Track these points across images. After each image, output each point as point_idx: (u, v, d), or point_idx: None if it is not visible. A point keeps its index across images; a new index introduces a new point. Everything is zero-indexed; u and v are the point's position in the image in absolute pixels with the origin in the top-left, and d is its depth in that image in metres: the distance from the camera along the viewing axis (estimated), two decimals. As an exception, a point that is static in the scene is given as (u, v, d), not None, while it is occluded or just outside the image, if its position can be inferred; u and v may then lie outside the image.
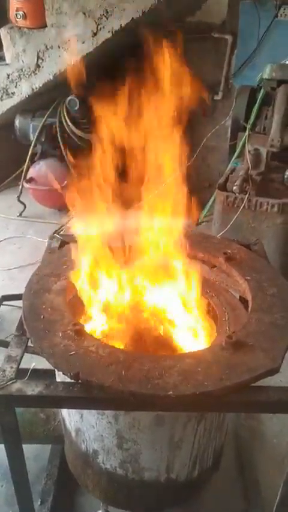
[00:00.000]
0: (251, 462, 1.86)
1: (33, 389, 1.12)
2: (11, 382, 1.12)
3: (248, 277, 1.50)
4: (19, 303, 1.36)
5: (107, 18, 3.06)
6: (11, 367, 1.17)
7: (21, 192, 3.84)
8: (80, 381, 1.11)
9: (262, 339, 1.24)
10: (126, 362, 1.15)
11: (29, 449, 1.58)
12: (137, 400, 1.08)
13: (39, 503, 1.65)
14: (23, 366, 1.25)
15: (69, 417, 1.45)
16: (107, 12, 3.04)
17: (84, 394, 1.11)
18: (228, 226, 2.87)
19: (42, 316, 1.29)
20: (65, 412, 1.48)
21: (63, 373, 1.13)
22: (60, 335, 1.21)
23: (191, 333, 1.47)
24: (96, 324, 1.43)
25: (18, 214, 3.85)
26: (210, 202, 3.40)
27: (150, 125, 1.43)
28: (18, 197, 3.84)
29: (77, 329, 1.22)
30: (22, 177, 3.79)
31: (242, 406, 1.18)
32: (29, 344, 1.28)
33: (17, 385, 1.13)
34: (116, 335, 1.40)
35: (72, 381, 1.12)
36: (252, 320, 1.32)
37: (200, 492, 1.62)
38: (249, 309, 1.39)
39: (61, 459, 1.77)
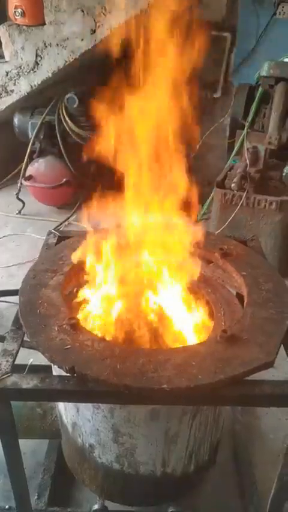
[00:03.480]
0: (247, 457, 1.87)
1: (28, 382, 1.13)
2: (6, 375, 1.13)
3: (244, 273, 1.51)
4: (17, 299, 1.37)
5: (106, 16, 3.06)
6: (7, 361, 1.18)
7: (20, 190, 3.84)
8: (75, 375, 1.12)
9: (257, 334, 1.25)
10: (121, 356, 1.16)
11: (26, 445, 1.59)
12: (132, 394, 1.09)
13: (36, 497, 1.66)
14: (21, 362, 1.26)
15: (66, 412, 1.46)
16: (105, 9, 3.05)
17: (80, 388, 1.12)
18: (227, 223, 2.88)
19: (38, 311, 1.30)
20: (61, 407, 1.49)
21: (59, 367, 1.14)
22: (56, 329, 1.22)
23: (188, 328, 1.47)
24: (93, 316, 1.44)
25: (17, 212, 3.85)
26: (209, 200, 3.40)
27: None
28: (17, 195, 3.85)
29: (73, 323, 1.23)
30: (21, 175, 3.79)
31: (235, 399, 1.19)
32: (25, 338, 1.29)
33: (12, 378, 1.13)
34: (112, 329, 1.41)
35: (68, 374, 1.13)
36: (247, 315, 1.33)
37: (196, 487, 1.63)
38: (245, 304, 1.40)
39: (58, 454, 1.78)
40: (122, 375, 1.10)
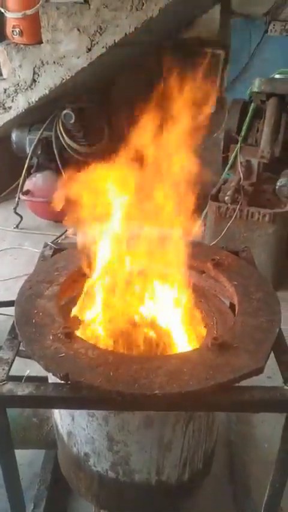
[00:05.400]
0: (242, 466, 1.88)
1: (23, 389, 1.15)
2: (2, 383, 1.16)
3: (235, 283, 1.54)
4: (14, 312, 1.40)
5: (101, 34, 3.14)
6: (3, 369, 1.20)
7: (17, 204, 3.89)
8: (69, 382, 1.14)
9: (247, 341, 1.28)
10: (114, 363, 1.18)
11: (22, 456, 1.61)
12: (125, 400, 1.12)
13: (32, 507, 1.67)
14: (18, 374, 1.28)
15: (61, 421, 1.48)
16: (101, 28, 3.13)
17: (74, 394, 1.14)
18: (221, 235, 2.93)
19: (33, 321, 1.33)
20: (57, 416, 1.51)
21: (53, 375, 1.16)
22: (51, 338, 1.25)
23: (181, 336, 1.50)
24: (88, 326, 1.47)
25: (14, 226, 3.90)
26: (204, 213, 3.45)
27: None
28: (15, 209, 3.90)
29: (67, 332, 1.26)
30: (19, 190, 3.84)
31: (226, 405, 1.21)
32: (21, 348, 1.32)
33: (8, 386, 1.16)
34: (106, 338, 1.44)
35: (62, 381, 1.15)
36: (238, 323, 1.36)
37: (191, 496, 1.64)
38: (236, 313, 1.43)
39: (54, 464, 1.79)
40: (115, 382, 1.13)
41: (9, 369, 1.21)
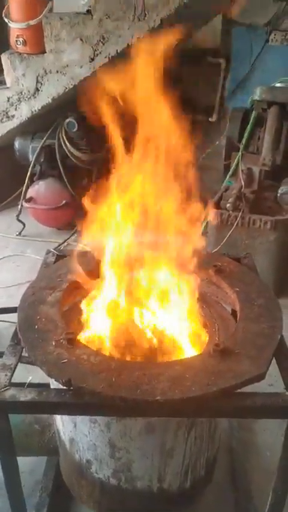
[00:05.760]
0: (244, 474, 1.87)
1: (26, 395, 1.16)
2: (4, 388, 1.16)
3: (237, 289, 1.55)
4: (16, 318, 1.41)
5: (104, 44, 3.18)
6: (5, 375, 1.21)
7: (20, 212, 3.91)
8: (71, 388, 1.15)
9: (249, 347, 1.28)
10: (116, 369, 1.19)
11: (24, 463, 1.61)
12: (127, 406, 1.12)
13: (33, 515, 1.67)
14: (20, 381, 1.29)
15: (63, 427, 1.48)
16: (104, 38, 3.16)
17: (76, 400, 1.15)
18: (223, 242, 2.93)
19: (36, 326, 1.33)
20: (59, 423, 1.51)
21: (56, 380, 1.17)
22: (53, 344, 1.26)
23: (184, 343, 1.51)
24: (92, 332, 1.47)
25: (17, 233, 3.91)
26: (206, 220, 3.46)
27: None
28: (18, 216, 3.91)
29: (70, 338, 1.26)
30: (21, 197, 3.86)
31: (228, 411, 1.22)
32: (24, 354, 1.32)
33: (10, 391, 1.16)
34: (109, 344, 1.44)
35: (65, 387, 1.16)
36: (240, 329, 1.36)
37: (193, 503, 1.63)
38: (238, 319, 1.43)
39: (56, 471, 1.78)
40: (117, 388, 1.13)
41: (11, 375, 1.22)
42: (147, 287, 1.58)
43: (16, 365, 1.26)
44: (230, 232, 2.90)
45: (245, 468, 1.89)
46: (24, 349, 1.30)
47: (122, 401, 1.11)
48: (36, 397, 1.16)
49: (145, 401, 1.11)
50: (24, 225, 3.93)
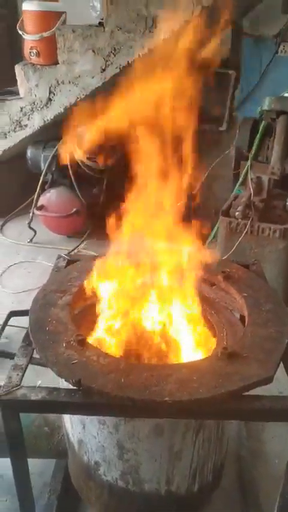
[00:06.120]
0: (252, 482, 1.87)
1: (37, 394, 1.18)
2: (16, 388, 1.19)
3: (245, 294, 1.56)
4: (26, 323, 1.44)
5: (115, 55, 3.24)
6: (17, 375, 1.24)
7: (31, 219, 3.96)
8: (81, 388, 1.17)
9: (257, 351, 1.29)
10: (125, 370, 1.21)
11: (33, 465, 1.62)
12: (135, 406, 1.14)
13: (42, 517, 1.68)
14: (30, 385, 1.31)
15: (72, 429, 1.50)
16: (115, 49, 3.23)
17: (85, 400, 1.17)
18: (232, 250, 2.95)
19: (47, 328, 1.36)
20: (68, 424, 1.53)
21: (66, 380, 1.19)
22: (64, 345, 1.28)
23: (191, 347, 1.52)
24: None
25: (28, 240, 3.97)
26: (215, 228, 3.48)
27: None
28: (29, 224, 3.97)
29: (80, 340, 1.29)
30: (33, 205, 3.92)
31: (235, 413, 1.23)
32: (34, 355, 1.35)
33: (21, 391, 1.19)
34: (118, 346, 1.46)
35: (74, 387, 1.18)
36: (248, 334, 1.38)
37: (200, 508, 1.64)
38: (246, 324, 1.45)
39: (64, 474, 1.80)
40: (126, 388, 1.15)
41: (23, 375, 1.24)
42: (156, 291, 1.60)
43: (27, 365, 1.29)
44: (239, 240, 2.91)
45: (253, 475, 1.89)
46: (35, 350, 1.33)
47: (130, 402, 1.13)
48: (47, 396, 1.18)
49: (153, 401, 1.12)
50: (35, 232, 3.99)
